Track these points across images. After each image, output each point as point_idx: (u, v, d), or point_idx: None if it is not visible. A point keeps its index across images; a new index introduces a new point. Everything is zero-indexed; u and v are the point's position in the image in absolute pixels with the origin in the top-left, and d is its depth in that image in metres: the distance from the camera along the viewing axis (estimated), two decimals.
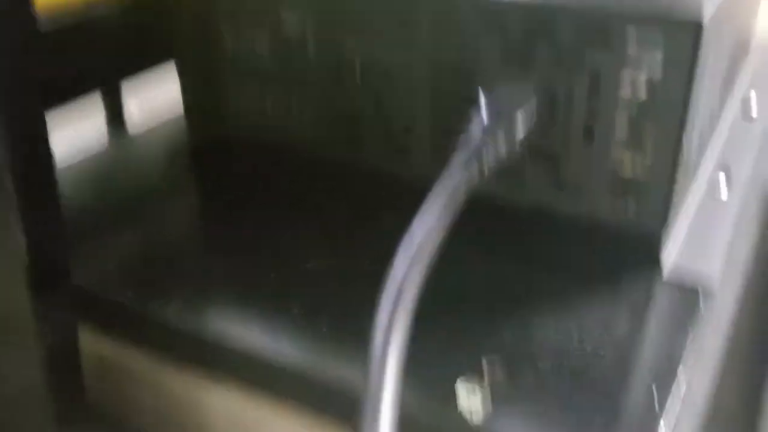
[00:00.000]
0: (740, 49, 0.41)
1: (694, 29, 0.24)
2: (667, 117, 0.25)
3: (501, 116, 0.25)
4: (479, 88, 0.27)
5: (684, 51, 0.24)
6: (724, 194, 0.34)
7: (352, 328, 0.23)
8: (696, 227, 0.31)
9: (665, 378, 0.23)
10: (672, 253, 0.29)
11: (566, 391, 0.22)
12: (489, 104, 0.25)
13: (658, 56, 0.24)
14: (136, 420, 0.28)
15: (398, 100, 0.30)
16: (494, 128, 0.24)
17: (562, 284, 0.27)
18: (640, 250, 0.28)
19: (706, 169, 0.35)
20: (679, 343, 0.24)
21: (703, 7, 0.24)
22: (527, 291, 0.27)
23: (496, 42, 0.27)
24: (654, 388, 0.22)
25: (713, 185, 0.34)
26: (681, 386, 0.23)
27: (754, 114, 0.42)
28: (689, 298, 0.27)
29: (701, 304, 0.26)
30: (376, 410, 0.16)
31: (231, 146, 0.35)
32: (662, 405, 0.22)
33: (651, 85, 0.25)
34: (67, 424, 0.25)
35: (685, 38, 0.24)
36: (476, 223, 0.30)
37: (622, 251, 0.28)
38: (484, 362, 0.23)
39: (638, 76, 0.25)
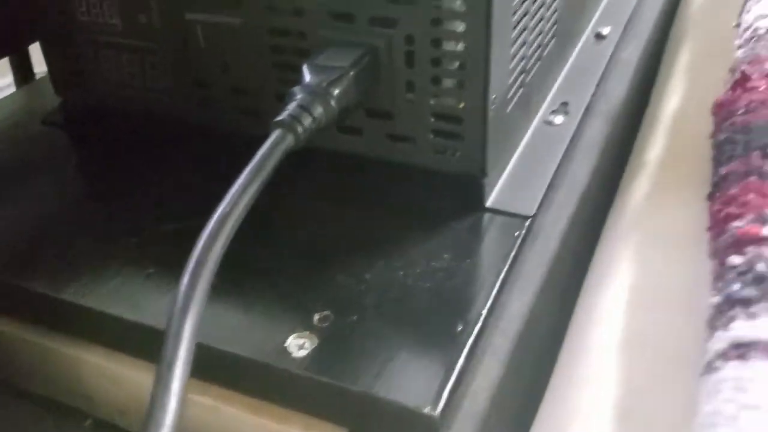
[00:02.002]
0: None
1: None
2: (472, 66, 0.28)
3: (325, 76, 0.27)
4: (309, 50, 0.29)
5: (474, 9, 0.27)
6: (558, 119, 0.37)
7: None
8: (527, 154, 0.34)
9: (476, 302, 0.26)
10: (497, 185, 0.32)
11: (386, 323, 0.26)
12: (314, 66, 0.27)
13: (458, 5, 0.27)
14: (26, 384, 0.31)
15: (243, 64, 0.32)
16: (316, 89, 0.26)
17: (396, 227, 0.30)
18: (466, 189, 0.31)
19: (551, 97, 0.39)
20: (495, 267, 0.28)
21: None
22: (365, 236, 0.30)
23: (322, 3, 0.29)
24: (464, 311, 0.26)
25: (549, 112, 0.37)
26: (492, 310, 0.26)
27: (605, 32, 0.45)
28: (510, 224, 0.30)
29: (521, 230, 0.30)
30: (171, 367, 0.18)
31: (94, 113, 0.37)
32: (468, 325, 0.25)
33: (454, 35, 0.27)
34: None
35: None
36: (321, 175, 0.33)
37: (450, 191, 0.31)
38: (315, 314, 0.26)
39: (442, 28, 0.27)
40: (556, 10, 0.36)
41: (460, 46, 0.28)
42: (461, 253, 0.29)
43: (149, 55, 0.34)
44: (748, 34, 0.31)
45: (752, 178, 0.24)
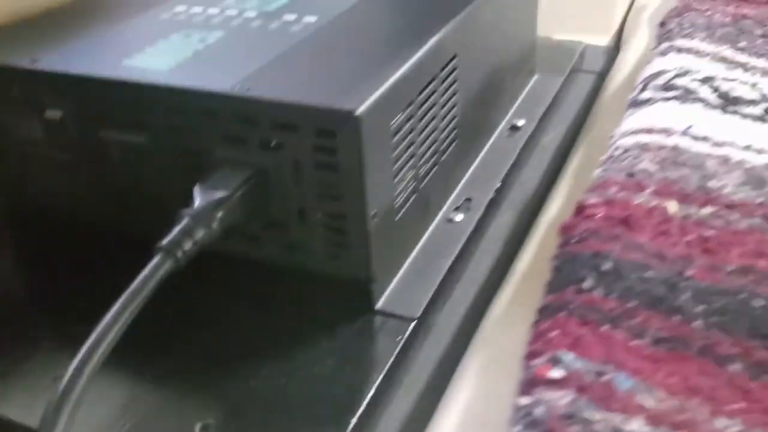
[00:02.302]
0: (510, 73, 0.46)
1: (351, 120, 0.28)
2: (350, 187, 0.30)
3: (211, 199, 0.29)
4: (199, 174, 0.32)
5: (350, 136, 0.29)
6: (459, 217, 0.39)
7: None
8: (424, 254, 0.36)
9: (350, 410, 0.28)
10: (389, 288, 0.34)
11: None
12: (203, 188, 0.30)
13: (329, 143, 0.29)
14: None
15: (153, 179, 0.34)
16: (200, 213, 0.29)
17: (288, 331, 0.32)
18: (356, 293, 0.33)
19: (456, 194, 0.41)
20: (374, 373, 0.30)
21: (361, 102, 0.29)
22: (258, 340, 0.32)
23: (217, 130, 0.31)
24: (337, 420, 0.28)
25: (452, 209, 0.40)
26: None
27: (520, 124, 0.48)
28: (397, 327, 0.32)
29: (403, 333, 0.32)
30: None
31: (30, 218, 0.39)
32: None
33: (332, 161, 0.30)
34: None
35: (348, 126, 0.29)
36: (220, 278, 0.35)
37: (342, 295, 0.33)
38: (197, 423, 0.28)
39: (322, 154, 0.30)
40: (454, 117, 0.39)
41: (339, 171, 0.30)
42: (346, 358, 0.31)
43: (70, 167, 0.36)
44: (609, 151, 0.33)
45: (561, 314, 0.26)
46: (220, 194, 0.29)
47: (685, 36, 0.44)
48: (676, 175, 0.32)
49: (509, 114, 0.49)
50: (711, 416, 0.23)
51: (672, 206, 0.30)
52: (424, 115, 0.35)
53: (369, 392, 0.29)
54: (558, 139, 0.50)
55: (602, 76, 0.59)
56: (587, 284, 0.27)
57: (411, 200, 0.35)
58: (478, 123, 0.44)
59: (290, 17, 0.38)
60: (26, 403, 0.29)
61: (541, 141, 0.49)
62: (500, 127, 0.47)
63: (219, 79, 0.31)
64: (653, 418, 0.23)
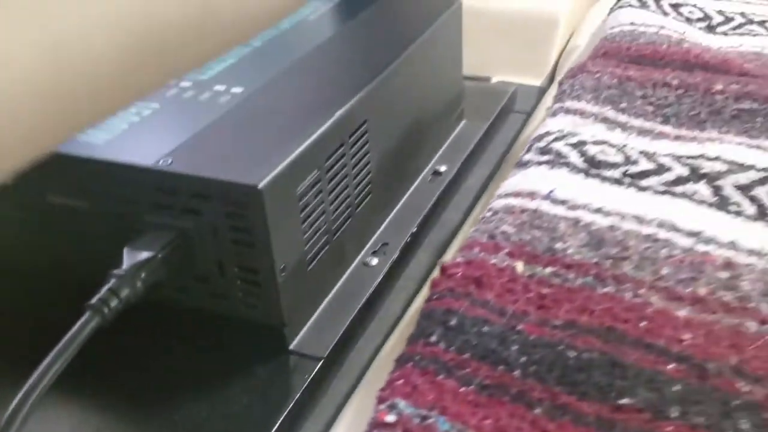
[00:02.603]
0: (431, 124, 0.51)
1: (254, 192, 0.33)
2: (259, 246, 0.35)
3: (136, 261, 0.34)
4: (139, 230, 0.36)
5: (255, 205, 0.34)
6: (374, 261, 0.44)
7: None
8: (338, 297, 0.41)
9: None
10: (304, 329, 0.39)
11: None
12: (130, 250, 0.35)
13: (238, 210, 0.34)
14: None
15: (93, 239, 0.39)
16: (126, 273, 0.34)
17: (213, 371, 0.37)
18: (271, 336, 0.38)
19: (375, 239, 0.46)
20: (279, 412, 0.35)
21: (264, 176, 0.34)
22: (187, 380, 0.37)
23: (144, 197, 0.36)
24: None
25: (370, 253, 0.44)
26: None
27: (442, 169, 0.53)
28: (306, 366, 0.37)
29: (310, 372, 0.37)
30: None
31: None
32: None
33: (243, 224, 0.35)
34: None
35: (252, 198, 0.34)
36: (155, 323, 0.39)
37: (260, 338, 0.38)
38: None
39: (234, 219, 0.35)
40: (368, 173, 0.44)
41: (249, 232, 0.35)
42: (260, 395, 0.36)
43: (21, 224, 0.41)
44: (484, 212, 0.37)
45: (408, 365, 0.30)
46: (144, 255, 0.34)
47: (574, 98, 0.49)
48: (529, 237, 0.37)
49: (433, 161, 0.54)
50: None
51: (519, 266, 0.35)
52: (333, 177, 0.40)
53: (274, 426, 0.34)
54: (480, 182, 0.54)
55: (530, 115, 0.64)
56: (434, 338, 0.32)
57: (324, 251, 0.40)
58: (396, 173, 0.49)
59: (220, 87, 0.43)
60: None
61: (464, 184, 0.54)
62: (423, 174, 0.52)
63: (145, 154, 0.36)
64: None
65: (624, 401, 0.30)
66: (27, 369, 0.37)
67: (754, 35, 0.61)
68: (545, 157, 0.43)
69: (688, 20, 0.63)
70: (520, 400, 0.29)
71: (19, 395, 0.29)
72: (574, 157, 0.43)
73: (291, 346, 0.38)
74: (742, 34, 0.61)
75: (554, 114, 0.48)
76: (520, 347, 0.31)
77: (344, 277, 0.43)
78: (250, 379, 0.36)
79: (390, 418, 0.28)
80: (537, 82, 0.70)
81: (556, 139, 0.44)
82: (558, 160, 0.42)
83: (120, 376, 0.37)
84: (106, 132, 0.39)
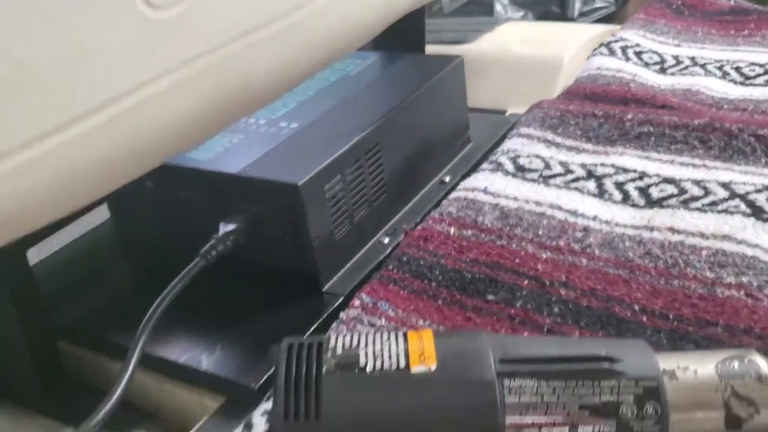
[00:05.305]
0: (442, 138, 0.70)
1: (296, 188, 0.54)
2: (297, 223, 0.56)
3: (226, 231, 0.56)
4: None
5: (296, 196, 0.55)
6: (386, 240, 0.64)
7: None
8: (359, 261, 0.61)
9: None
10: (333, 279, 0.59)
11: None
12: (223, 224, 0.57)
13: (285, 200, 0.55)
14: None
15: (203, 217, 0.61)
16: (221, 237, 0.55)
17: (272, 301, 0.58)
18: (310, 282, 0.58)
19: (390, 225, 0.66)
20: (314, 318, 0.55)
21: (302, 177, 0.55)
22: (254, 306, 0.58)
23: (233, 192, 0.58)
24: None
25: (384, 235, 0.64)
26: None
27: (447, 180, 0.72)
28: (333, 300, 0.58)
29: (336, 303, 0.57)
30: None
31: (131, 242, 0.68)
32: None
33: (285, 212, 0.56)
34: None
35: (295, 192, 0.55)
36: (237, 272, 0.61)
37: (303, 282, 0.59)
38: None
39: (279, 209, 0.56)
40: (381, 180, 0.64)
41: (295, 213, 0.56)
42: (302, 316, 0.56)
43: (155, 211, 0.64)
44: (445, 200, 0.57)
45: (375, 280, 0.50)
46: (231, 227, 0.56)
47: (525, 125, 0.68)
48: (463, 214, 0.56)
49: (441, 173, 0.74)
50: None
51: (453, 230, 0.54)
52: (353, 181, 0.60)
53: (314, 324, 0.54)
54: None
55: None
56: (391, 267, 0.52)
57: (346, 230, 0.60)
58: (407, 181, 0.69)
59: (284, 124, 0.65)
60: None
61: None
62: (431, 183, 0.72)
63: (234, 165, 0.58)
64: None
65: (490, 297, 0.49)
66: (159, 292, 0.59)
67: (693, 75, 0.77)
68: (491, 166, 0.62)
69: (646, 64, 0.80)
70: (433, 298, 0.49)
71: (156, 302, 0.51)
72: (509, 165, 0.61)
73: (324, 289, 0.59)
74: (684, 75, 0.77)
75: (510, 137, 0.67)
76: (439, 271, 0.50)
77: (363, 249, 0.63)
78: (299, 307, 0.57)
79: (356, 302, 0.48)
80: None
81: (502, 154, 0.63)
82: (497, 168, 0.61)
83: (215, 304, 0.59)
84: (209, 152, 0.61)
